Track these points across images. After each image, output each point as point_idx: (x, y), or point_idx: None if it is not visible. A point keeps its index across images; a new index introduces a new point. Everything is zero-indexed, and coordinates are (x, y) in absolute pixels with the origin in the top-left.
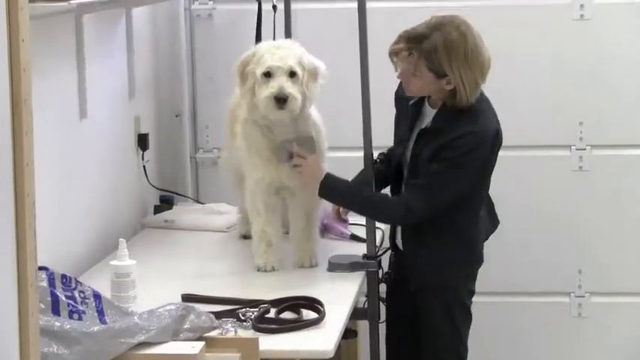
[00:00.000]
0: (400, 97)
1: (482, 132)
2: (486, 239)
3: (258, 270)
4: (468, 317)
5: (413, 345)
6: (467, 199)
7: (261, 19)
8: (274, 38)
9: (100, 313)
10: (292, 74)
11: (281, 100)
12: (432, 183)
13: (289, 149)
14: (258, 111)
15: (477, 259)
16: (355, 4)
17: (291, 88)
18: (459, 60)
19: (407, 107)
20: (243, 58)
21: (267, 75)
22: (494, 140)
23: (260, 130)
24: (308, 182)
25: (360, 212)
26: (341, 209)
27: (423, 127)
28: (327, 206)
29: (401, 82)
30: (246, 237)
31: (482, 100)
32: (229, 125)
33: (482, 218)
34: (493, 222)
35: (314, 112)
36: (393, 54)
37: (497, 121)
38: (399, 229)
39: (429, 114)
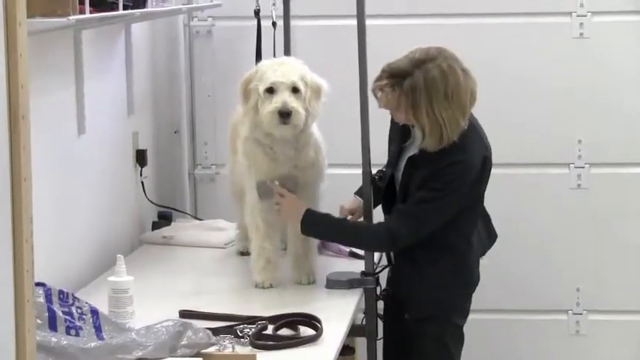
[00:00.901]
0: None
1: (470, 160)
2: (484, 254)
3: (256, 286)
4: (460, 338)
5: None
6: (460, 223)
7: (261, 35)
8: (274, 55)
9: (98, 329)
10: (295, 90)
11: (285, 114)
12: (417, 211)
13: (271, 187)
14: (261, 128)
15: (474, 281)
16: (354, 22)
17: (294, 103)
18: (439, 99)
19: (397, 126)
20: (246, 76)
21: (270, 91)
22: (482, 167)
23: (262, 149)
24: (286, 220)
25: (346, 242)
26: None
27: (411, 153)
28: None
29: None
30: (243, 253)
31: (473, 126)
32: (230, 142)
33: (478, 234)
34: (490, 236)
35: (315, 130)
36: (377, 89)
37: (486, 147)
38: None
39: (418, 138)
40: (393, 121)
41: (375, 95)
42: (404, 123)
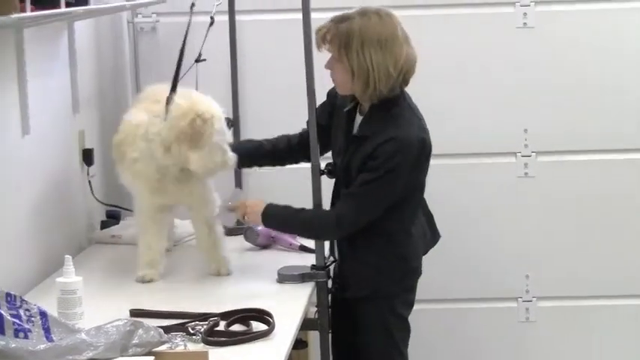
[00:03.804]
0: (334, 101)
1: (405, 137)
2: (426, 253)
3: (137, 281)
4: (405, 329)
5: (358, 354)
6: (398, 209)
7: (188, 32)
8: (200, 52)
9: (47, 331)
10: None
11: (229, 162)
12: (361, 193)
13: (229, 209)
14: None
15: (413, 271)
16: (300, 16)
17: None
18: (372, 43)
19: (342, 115)
20: (196, 125)
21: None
22: (420, 148)
23: (155, 167)
24: (255, 221)
25: (301, 233)
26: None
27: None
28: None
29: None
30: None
31: (409, 107)
32: (116, 159)
33: (421, 231)
34: (434, 236)
35: None
36: (320, 39)
37: (424, 129)
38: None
39: (359, 122)
40: (334, 106)
41: (317, 44)
42: (343, 91)
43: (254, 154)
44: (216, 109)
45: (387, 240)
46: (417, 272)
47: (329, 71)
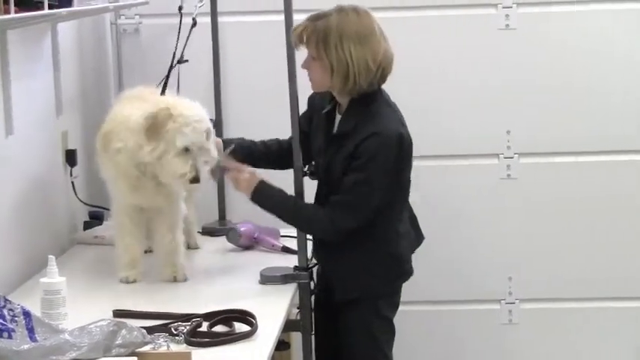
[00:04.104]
0: (313, 106)
1: (385, 132)
2: (412, 252)
3: (121, 281)
4: (390, 330)
5: (342, 356)
6: (387, 207)
7: (180, 33)
8: (183, 52)
9: (30, 331)
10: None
11: (195, 180)
12: (353, 197)
13: (222, 166)
14: (154, 171)
15: (402, 273)
16: (282, 17)
17: (204, 171)
18: (351, 37)
19: (321, 117)
20: (160, 115)
21: (186, 150)
22: (400, 143)
23: (135, 163)
24: (244, 191)
25: (292, 223)
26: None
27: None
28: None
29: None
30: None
31: (386, 103)
32: (100, 149)
33: (407, 232)
34: (418, 237)
35: None
36: (295, 38)
37: (402, 123)
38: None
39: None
40: (312, 109)
41: (295, 43)
42: (319, 89)
43: (248, 153)
44: (204, 119)
45: (378, 240)
46: (406, 274)
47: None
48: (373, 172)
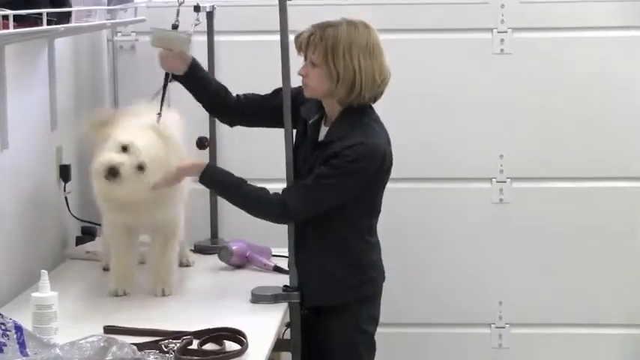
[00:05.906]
0: (296, 105)
1: (373, 145)
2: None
3: (110, 294)
4: (371, 346)
5: None
6: (356, 218)
7: None
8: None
9: (22, 345)
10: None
11: (110, 173)
12: (313, 184)
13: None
14: None
15: (368, 281)
16: (278, 37)
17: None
18: (361, 47)
19: (307, 128)
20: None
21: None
22: (383, 159)
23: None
24: (187, 174)
25: (241, 205)
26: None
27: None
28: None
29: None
30: (106, 269)
31: (377, 121)
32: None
33: (377, 243)
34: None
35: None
36: (299, 43)
37: (389, 142)
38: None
39: (325, 132)
40: (297, 133)
41: (299, 48)
42: (313, 95)
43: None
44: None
45: (343, 245)
46: (373, 283)
47: (300, 77)
48: (344, 173)
